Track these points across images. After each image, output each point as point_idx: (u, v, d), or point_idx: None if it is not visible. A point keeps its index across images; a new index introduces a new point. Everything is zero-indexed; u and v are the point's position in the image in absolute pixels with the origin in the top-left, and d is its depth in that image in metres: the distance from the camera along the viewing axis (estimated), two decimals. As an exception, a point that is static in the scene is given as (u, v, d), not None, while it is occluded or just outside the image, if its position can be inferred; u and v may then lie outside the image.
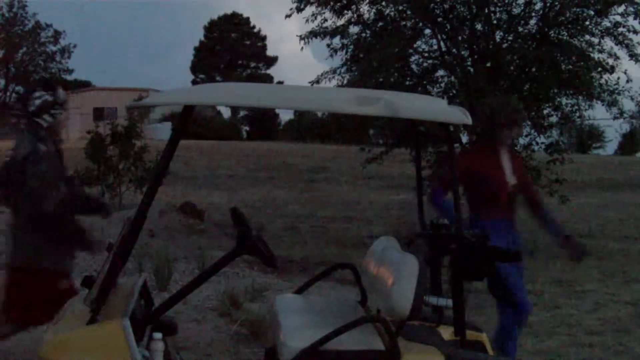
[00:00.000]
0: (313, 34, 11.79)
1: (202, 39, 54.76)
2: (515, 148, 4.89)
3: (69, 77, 45.43)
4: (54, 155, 4.10)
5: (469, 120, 3.11)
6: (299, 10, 11.71)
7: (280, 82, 43.32)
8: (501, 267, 3.99)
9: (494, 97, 7.28)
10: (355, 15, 11.82)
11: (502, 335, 4.53)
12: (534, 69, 11.01)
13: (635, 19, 10.69)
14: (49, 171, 3.97)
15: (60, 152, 4.21)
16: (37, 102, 4.05)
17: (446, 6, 11.48)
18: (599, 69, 10.77)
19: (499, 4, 11.48)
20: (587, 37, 11.09)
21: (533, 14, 11.45)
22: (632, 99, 11.35)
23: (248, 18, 55.37)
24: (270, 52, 55.85)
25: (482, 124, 4.82)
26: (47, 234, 3.96)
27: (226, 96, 3.32)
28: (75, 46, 42.27)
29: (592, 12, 10.87)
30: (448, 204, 4.13)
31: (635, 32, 10.82)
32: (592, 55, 10.88)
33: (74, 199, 4.21)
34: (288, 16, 11.91)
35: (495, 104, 4.67)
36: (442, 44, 11.66)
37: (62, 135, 4.35)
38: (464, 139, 11.60)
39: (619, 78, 11.02)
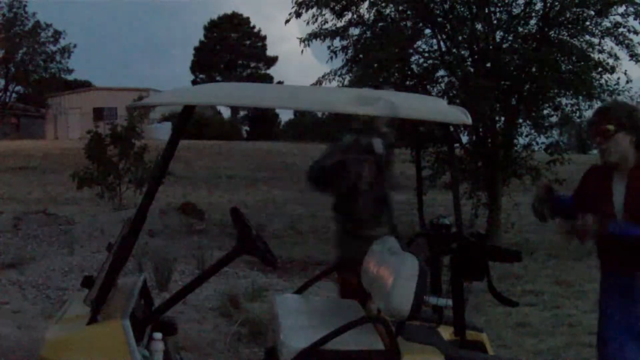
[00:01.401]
0: (313, 35, 11.77)
1: (202, 39, 54.77)
2: None
3: (69, 77, 45.43)
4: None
5: (469, 120, 3.11)
6: (298, 15, 11.71)
7: (280, 82, 43.30)
8: None
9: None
10: (355, 16, 11.81)
11: None
12: (534, 69, 11.00)
13: (635, 19, 10.70)
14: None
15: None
16: None
17: (446, 6, 11.46)
18: (599, 69, 10.76)
19: (499, 4, 11.47)
20: (587, 37, 11.09)
21: (533, 14, 11.43)
22: (632, 99, 11.34)
23: (248, 18, 55.41)
24: (270, 52, 55.89)
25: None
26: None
27: (226, 96, 3.31)
28: (75, 46, 42.24)
29: (592, 12, 10.86)
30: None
31: (635, 32, 10.82)
32: (592, 55, 10.87)
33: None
34: (287, 21, 11.94)
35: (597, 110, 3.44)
36: (442, 44, 11.65)
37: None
38: (464, 139, 11.60)
39: (619, 78, 11.03)
